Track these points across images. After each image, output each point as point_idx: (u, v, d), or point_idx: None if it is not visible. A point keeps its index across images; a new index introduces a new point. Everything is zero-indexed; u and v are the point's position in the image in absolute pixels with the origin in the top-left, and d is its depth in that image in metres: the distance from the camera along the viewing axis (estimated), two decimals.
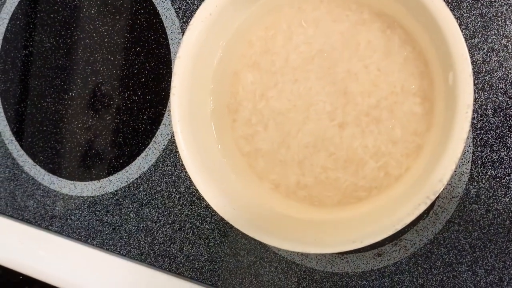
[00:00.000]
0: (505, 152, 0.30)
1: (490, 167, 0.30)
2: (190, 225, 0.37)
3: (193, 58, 0.29)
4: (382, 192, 0.29)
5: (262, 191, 0.31)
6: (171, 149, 0.38)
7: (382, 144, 0.29)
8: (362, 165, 0.29)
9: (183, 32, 0.38)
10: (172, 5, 0.38)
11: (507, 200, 0.30)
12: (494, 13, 0.30)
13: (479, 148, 0.30)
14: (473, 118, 0.30)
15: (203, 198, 0.34)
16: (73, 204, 0.41)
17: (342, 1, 0.29)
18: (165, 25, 0.38)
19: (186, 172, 0.37)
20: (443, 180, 0.23)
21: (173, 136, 0.34)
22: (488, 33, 0.30)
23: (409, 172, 0.28)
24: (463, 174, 0.30)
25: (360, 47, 0.29)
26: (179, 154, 0.29)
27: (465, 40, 0.30)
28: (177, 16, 0.38)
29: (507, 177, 0.30)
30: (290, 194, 0.31)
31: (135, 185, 0.39)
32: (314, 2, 0.30)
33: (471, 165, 0.30)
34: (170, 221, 0.37)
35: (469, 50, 0.30)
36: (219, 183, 0.29)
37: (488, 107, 0.30)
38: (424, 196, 0.24)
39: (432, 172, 0.24)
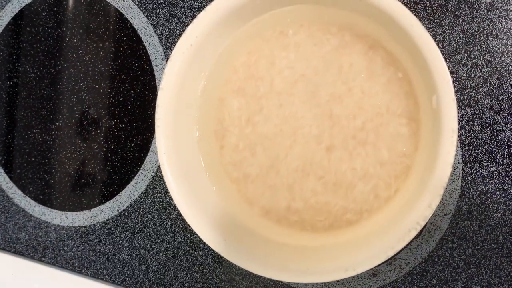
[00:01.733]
0: (495, 167, 0.30)
1: (480, 183, 0.30)
2: (184, 252, 0.37)
3: (176, 88, 0.29)
4: (373, 214, 0.28)
5: (253, 218, 0.31)
6: (160, 176, 0.38)
7: (370, 166, 0.28)
8: (352, 188, 0.29)
9: (167, 58, 0.38)
10: (155, 31, 0.38)
11: (499, 215, 0.29)
12: (476, 29, 0.30)
13: (468, 165, 0.30)
14: (461, 135, 0.30)
15: None
16: (65, 235, 0.41)
17: (323, 25, 0.29)
18: (148, 52, 0.38)
19: None
20: (431, 205, 0.23)
21: None
22: (471, 49, 0.30)
23: (398, 193, 0.28)
24: (454, 191, 0.30)
25: (343, 70, 0.29)
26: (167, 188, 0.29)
27: (449, 57, 0.30)
28: (160, 42, 0.38)
29: (498, 193, 0.29)
30: (281, 219, 0.31)
31: (126, 213, 0.38)
32: (295, 27, 0.30)
33: (462, 181, 0.30)
34: (163, 249, 0.37)
35: (453, 66, 0.30)
36: (209, 214, 0.29)
37: (475, 123, 0.30)
38: (414, 222, 0.24)
39: (420, 197, 0.24)
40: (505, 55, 0.29)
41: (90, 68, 0.40)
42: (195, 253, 0.36)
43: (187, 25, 0.28)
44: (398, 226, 0.24)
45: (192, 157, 0.31)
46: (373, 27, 0.27)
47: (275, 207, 0.31)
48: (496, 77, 0.29)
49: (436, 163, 0.23)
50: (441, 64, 0.23)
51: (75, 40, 0.40)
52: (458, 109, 0.30)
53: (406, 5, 0.26)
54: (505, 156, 0.29)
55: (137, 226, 0.38)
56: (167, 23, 0.37)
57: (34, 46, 0.42)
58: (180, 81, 0.29)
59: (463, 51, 0.30)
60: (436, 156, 0.23)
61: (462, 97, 0.30)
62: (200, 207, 0.29)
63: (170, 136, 0.29)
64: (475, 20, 0.30)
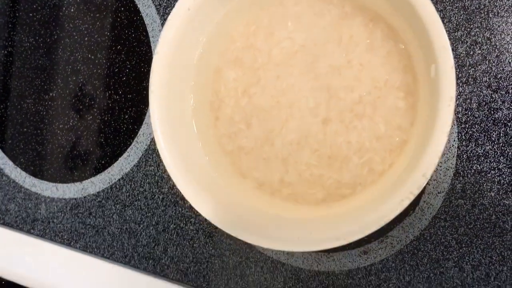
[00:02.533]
0: (490, 146, 0.29)
1: (475, 162, 0.30)
2: (174, 226, 0.36)
3: (172, 54, 0.29)
4: (366, 188, 0.28)
5: (246, 190, 0.31)
6: (153, 149, 0.37)
7: (366, 140, 0.28)
8: (346, 161, 0.29)
9: None
10: (153, 2, 0.37)
11: (493, 194, 0.29)
12: (477, 6, 0.30)
13: (464, 143, 0.30)
14: (457, 112, 0.30)
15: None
16: (55, 207, 0.40)
17: None
18: (145, 23, 0.37)
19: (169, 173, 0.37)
20: (426, 174, 0.23)
21: None
22: (471, 26, 0.30)
23: (393, 167, 0.28)
24: (448, 169, 0.30)
25: (342, 41, 0.28)
26: (160, 156, 0.28)
27: (449, 34, 0.30)
28: (157, 13, 0.37)
29: (493, 171, 0.29)
30: (274, 192, 0.30)
31: (117, 186, 0.38)
32: None
33: (457, 159, 0.30)
34: (153, 223, 0.37)
35: (452, 43, 0.30)
36: (201, 183, 0.29)
37: (472, 101, 0.30)
38: (407, 192, 0.23)
39: (415, 166, 0.23)
40: (505, 33, 0.29)
41: (86, 39, 0.39)
42: (186, 227, 0.36)
43: None
44: (392, 196, 0.24)
45: (185, 127, 0.30)
46: None
47: (269, 180, 0.30)
48: (495, 55, 0.29)
49: (433, 132, 0.23)
50: (441, 31, 0.23)
51: (71, 10, 0.40)
52: (456, 86, 0.30)
53: None
54: (501, 135, 0.29)
55: (128, 199, 0.38)
56: None
57: (30, 15, 0.41)
58: (176, 47, 0.29)
59: (463, 28, 0.30)
60: (433, 125, 0.23)
61: (460, 75, 0.30)
62: (193, 176, 0.29)
63: (164, 103, 0.29)
64: None
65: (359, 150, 0.28)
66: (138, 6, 0.38)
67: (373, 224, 0.24)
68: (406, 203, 0.23)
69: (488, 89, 0.29)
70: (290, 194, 0.30)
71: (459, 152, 0.30)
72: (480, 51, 0.30)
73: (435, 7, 0.30)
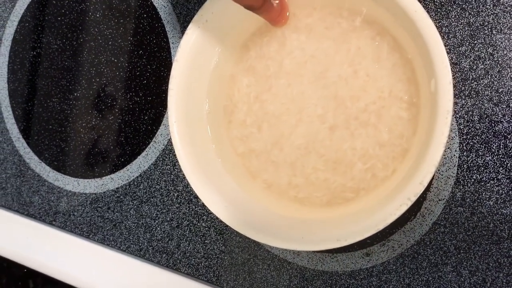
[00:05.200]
0: (490, 157, 0.31)
1: (475, 171, 0.31)
2: (188, 223, 0.38)
3: (190, 61, 0.31)
4: (369, 193, 0.30)
5: (256, 190, 0.32)
6: (170, 149, 0.39)
7: (370, 146, 0.30)
8: (351, 166, 0.30)
9: None
10: (174, 11, 0.39)
11: (491, 203, 0.30)
12: (481, 23, 0.31)
13: (465, 153, 0.31)
14: (459, 124, 0.31)
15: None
16: (76, 201, 0.42)
17: (335, 9, 0.31)
18: (166, 30, 0.39)
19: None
20: (423, 182, 0.24)
21: None
22: (475, 41, 0.31)
23: (395, 174, 0.29)
24: (449, 178, 0.31)
25: (350, 53, 0.30)
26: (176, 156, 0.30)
27: (453, 48, 0.31)
28: (178, 21, 0.39)
29: (492, 181, 0.31)
30: (282, 193, 0.32)
31: (135, 183, 0.40)
32: (308, 9, 0.31)
33: (457, 169, 0.31)
34: (168, 219, 0.39)
35: (456, 58, 0.31)
36: (214, 182, 0.31)
37: (474, 113, 0.31)
38: (405, 198, 0.25)
39: (413, 175, 0.25)
40: (508, 49, 0.30)
41: (110, 43, 0.42)
42: (198, 224, 0.38)
43: None
44: (391, 201, 0.25)
45: (200, 129, 0.32)
46: (382, 13, 0.28)
47: (277, 182, 0.32)
48: (497, 70, 0.31)
49: (430, 143, 0.24)
50: (440, 48, 0.24)
51: (97, 15, 0.42)
52: (458, 99, 0.31)
53: None
54: (501, 146, 0.30)
55: (145, 196, 0.40)
56: (186, 3, 0.39)
57: (59, 19, 0.44)
58: (194, 55, 0.31)
59: (467, 43, 0.31)
60: (431, 136, 0.24)
61: (463, 88, 0.31)
62: (206, 175, 0.30)
63: (181, 106, 0.31)
64: (480, 14, 0.31)
65: (363, 156, 0.30)
66: (160, 13, 0.40)
67: (372, 227, 0.25)
68: (404, 208, 0.25)
69: (490, 103, 0.31)
70: (296, 196, 0.32)
71: (460, 162, 0.31)
72: (483, 66, 0.31)
73: (441, 23, 0.31)
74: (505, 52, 0.30)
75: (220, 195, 0.30)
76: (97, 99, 0.42)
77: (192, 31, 0.30)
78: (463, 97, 0.31)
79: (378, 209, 0.26)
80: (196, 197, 0.38)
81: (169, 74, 0.30)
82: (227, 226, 0.37)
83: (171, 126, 0.30)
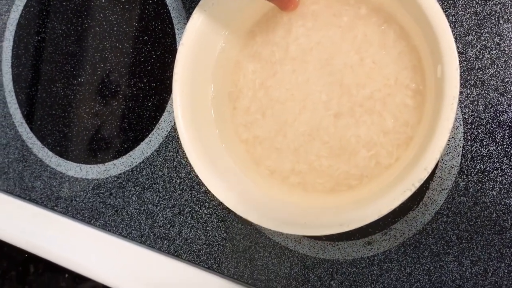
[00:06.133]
0: (494, 147, 0.31)
1: (479, 161, 0.31)
2: (189, 210, 0.38)
3: (195, 45, 0.30)
4: (372, 180, 0.30)
5: (259, 176, 0.32)
6: (173, 136, 0.39)
7: (374, 134, 0.30)
8: (355, 154, 0.30)
9: None
10: None
11: (494, 193, 0.30)
12: (488, 12, 0.31)
13: (469, 143, 0.31)
14: (464, 113, 0.31)
15: (202, 183, 0.35)
16: (78, 186, 0.42)
17: None
18: (172, 16, 0.39)
19: (187, 158, 0.38)
20: (427, 168, 0.24)
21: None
22: (482, 31, 0.31)
23: (398, 162, 0.29)
24: (453, 167, 0.31)
25: (356, 40, 0.30)
26: (180, 141, 0.30)
27: (460, 37, 0.31)
28: (183, 7, 0.39)
29: (495, 171, 0.30)
30: (285, 179, 0.32)
31: (138, 169, 0.40)
32: None
33: (461, 158, 0.31)
34: (170, 205, 0.39)
35: (463, 47, 0.31)
36: (217, 167, 0.31)
37: (479, 103, 0.31)
38: (409, 184, 0.25)
39: (418, 161, 0.25)
40: None
41: (115, 28, 0.42)
42: (200, 211, 0.38)
43: None
44: (395, 187, 0.25)
45: (205, 114, 0.32)
46: (388, 0, 0.28)
47: (280, 168, 0.32)
48: (503, 59, 0.31)
49: (435, 128, 0.24)
50: (447, 34, 0.24)
51: (102, 0, 0.42)
52: (464, 88, 0.31)
53: None
54: (506, 136, 0.30)
55: (147, 182, 0.40)
56: None
57: (64, 3, 0.44)
58: (199, 39, 0.30)
59: (474, 32, 0.31)
60: (436, 122, 0.24)
61: (469, 77, 0.31)
62: (209, 160, 0.30)
63: (186, 91, 0.31)
64: (488, 3, 0.31)
65: (367, 144, 0.30)
66: None
67: (375, 212, 0.25)
68: (407, 194, 0.25)
69: (495, 92, 0.31)
70: (300, 183, 0.32)
71: (464, 151, 0.31)
72: (489, 55, 0.31)
73: (448, 12, 0.31)
74: (511, 42, 0.30)
75: (224, 180, 0.30)
76: (101, 85, 0.42)
77: (198, 14, 0.30)
78: (468, 87, 0.31)
79: (381, 195, 0.26)
80: (199, 183, 0.38)
81: (174, 61, 0.30)
82: (229, 213, 0.37)
83: (175, 110, 0.30)
